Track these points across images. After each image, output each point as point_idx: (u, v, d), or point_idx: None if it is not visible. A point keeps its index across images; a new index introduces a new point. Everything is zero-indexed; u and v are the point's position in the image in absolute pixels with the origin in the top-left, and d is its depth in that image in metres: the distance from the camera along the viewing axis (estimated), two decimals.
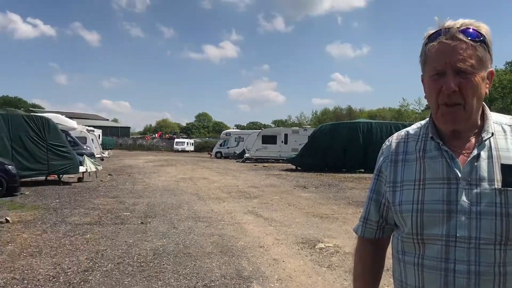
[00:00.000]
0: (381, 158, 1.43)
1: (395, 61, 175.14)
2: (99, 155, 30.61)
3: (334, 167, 23.55)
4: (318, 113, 76.80)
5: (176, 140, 67.50)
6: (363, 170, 22.91)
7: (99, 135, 39.82)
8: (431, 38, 1.25)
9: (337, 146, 23.53)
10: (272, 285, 4.97)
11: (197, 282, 5.03)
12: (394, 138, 1.44)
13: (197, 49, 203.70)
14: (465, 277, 1.17)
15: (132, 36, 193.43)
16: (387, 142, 1.46)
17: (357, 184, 17.01)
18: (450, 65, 1.20)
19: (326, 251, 6.56)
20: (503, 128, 1.28)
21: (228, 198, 12.48)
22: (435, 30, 1.25)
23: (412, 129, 1.42)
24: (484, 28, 1.23)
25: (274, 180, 18.37)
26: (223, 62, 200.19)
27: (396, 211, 1.32)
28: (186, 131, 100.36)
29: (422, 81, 1.34)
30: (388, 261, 1.50)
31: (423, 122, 1.42)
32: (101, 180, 17.14)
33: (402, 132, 1.44)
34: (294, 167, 25.80)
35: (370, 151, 21.97)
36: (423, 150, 1.32)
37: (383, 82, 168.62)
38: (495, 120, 1.30)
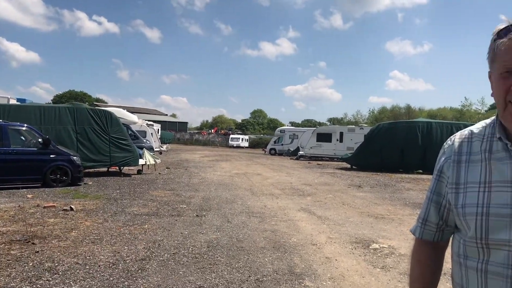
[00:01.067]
0: (443, 158, 1.38)
1: (457, 59, 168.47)
2: (157, 149, 31.58)
3: (391, 167, 22.96)
4: (375, 112, 75.15)
5: (231, 136, 68.50)
6: (421, 171, 22.20)
7: (158, 129, 41.00)
8: (501, 34, 1.19)
9: (395, 146, 22.91)
10: (324, 283, 4.94)
11: (250, 276, 5.09)
12: (457, 137, 1.38)
13: (253, 46, 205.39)
14: None
15: (191, 33, 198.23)
16: (449, 142, 1.40)
17: (414, 185, 16.49)
18: None
19: (380, 251, 6.43)
20: None
21: (281, 194, 12.50)
22: (505, 26, 1.19)
23: (476, 128, 1.36)
24: None
25: (328, 179, 18.18)
26: (279, 59, 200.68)
27: (458, 214, 1.28)
28: (241, 127, 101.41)
29: (490, 78, 1.28)
30: (446, 265, 1.46)
31: (488, 121, 1.35)
32: (159, 173, 17.72)
33: (466, 131, 1.38)
34: (349, 166, 25.39)
35: (429, 152, 21.28)
36: (489, 151, 1.26)
37: (445, 80, 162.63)
38: None
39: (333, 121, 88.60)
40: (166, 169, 19.64)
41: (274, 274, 5.19)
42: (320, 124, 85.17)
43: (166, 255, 5.85)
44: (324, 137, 34.58)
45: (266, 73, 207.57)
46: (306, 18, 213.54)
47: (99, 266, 5.27)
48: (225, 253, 6.06)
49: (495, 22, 1.23)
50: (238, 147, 62.99)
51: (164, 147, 38.82)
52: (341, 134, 33.90)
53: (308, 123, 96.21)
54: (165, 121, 79.51)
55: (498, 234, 1.17)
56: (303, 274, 5.23)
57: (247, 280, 4.95)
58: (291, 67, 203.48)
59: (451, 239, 1.41)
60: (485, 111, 56.39)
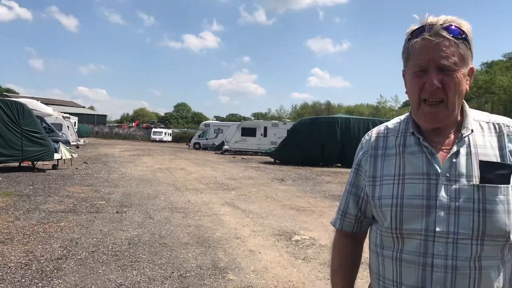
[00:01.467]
0: (361, 153, 1.44)
1: (373, 58, 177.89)
2: (74, 143, 30.15)
3: (312, 161, 23.68)
4: (297, 107, 77.21)
5: (153, 129, 66.83)
6: (340, 165, 23.12)
7: (74, 122, 39.14)
8: (415, 34, 1.25)
9: (316, 140, 23.64)
10: (248, 276, 5.00)
11: (173, 272, 5.01)
12: (373, 133, 1.44)
13: (177, 38, 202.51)
14: (442, 271, 1.19)
15: (111, 23, 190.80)
16: (366, 137, 1.46)
17: (334, 178, 17.16)
18: (433, 62, 1.21)
19: (302, 243, 6.62)
20: (481, 125, 1.30)
21: (205, 189, 12.45)
22: (418, 26, 1.26)
23: (391, 124, 1.43)
24: (465, 26, 1.24)
25: (252, 173, 18.39)
26: (203, 52, 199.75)
27: (375, 205, 1.33)
28: (164, 121, 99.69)
29: (404, 76, 1.35)
30: (363, 255, 1.52)
31: (402, 117, 1.42)
32: (76, 168, 16.88)
33: (382, 126, 1.44)
34: (272, 160, 25.85)
35: (347, 146, 22.19)
36: (403, 145, 1.33)
37: (362, 78, 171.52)
38: (474, 117, 1.32)
39: (258, 116, 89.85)
40: (84, 164, 18.76)
41: (197, 269, 5.16)
42: (244, 118, 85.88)
43: (84, 253, 5.60)
44: (248, 132, 34.92)
45: (190, 66, 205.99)
46: (230, 12, 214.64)
47: (10, 267, 4.92)
48: (147, 249, 5.92)
49: (408, 23, 1.30)
50: (161, 141, 61.63)
51: (82, 141, 37.07)
52: (265, 129, 34.42)
53: (233, 117, 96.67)
54: (83, 114, 75.74)
55: (411, 224, 1.24)
56: (227, 268, 5.25)
57: (170, 277, 4.88)
58: (216, 61, 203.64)
59: (369, 230, 1.48)
60: (399, 107, 59.95)
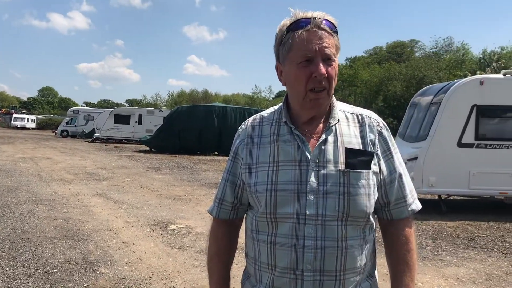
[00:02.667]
0: (238, 141, 1.46)
1: (248, 48, 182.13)
2: None
3: (189, 149, 23.57)
4: (174, 95, 75.99)
5: (14, 115, 61.45)
6: (217, 153, 23.40)
7: None
8: (297, 26, 1.29)
9: (193, 128, 23.54)
10: (121, 269, 4.83)
11: (37, 269, 4.64)
12: (250, 122, 1.48)
13: (41, 16, 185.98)
14: (312, 252, 1.27)
15: None
16: (243, 126, 1.49)
17: (211, 166, 17.32)
18: (319, 52, 1.27)
19: (178, 232, 6.58)
20: (346, 116, 1.41)
21: (74, 180, 11.70)
22: (300, 18, 1.29)
23: (266, 113, 1.48)
24: (334, 21, 1.32)
25: (126, 162, 17.73)
26: (72, 34, 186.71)
27: (251, 192, 1.37)
28: (27, 106, 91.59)
29: (277, 69, 1.40)
30: (239, 240, 1.56)
31: (276, 107, 1.48)
32: None
33: (257, 116, 1.48)
34: (148, 148, 25.22)
35: (224, 135, 22.49)
36: (277, 134, 1.38)
37: (238, 68, 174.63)
38: (340, 108, 1.42)
39: (132, 102, 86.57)
40: None
41: (66, 265, 4.85)
42: (117, 105, 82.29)
43: None
44: (122, 119, 33.49)
45: (57, 48, 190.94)
46: None
47: None
48: (7, 246, 5.41)
49: (278, 16, 1.34)
50: (23, 128, 56.88)
51: None
52: (140, 116, 33.35)
53: (104, 103, 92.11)
54: None
55: (284, 208, 1.29)
56: (99, 262, 5.01)
57: (34, 274, 4.51)
58: (86, 43, 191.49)
59: (245, 216, 1.51)
60: (273, 98, 62.48)
